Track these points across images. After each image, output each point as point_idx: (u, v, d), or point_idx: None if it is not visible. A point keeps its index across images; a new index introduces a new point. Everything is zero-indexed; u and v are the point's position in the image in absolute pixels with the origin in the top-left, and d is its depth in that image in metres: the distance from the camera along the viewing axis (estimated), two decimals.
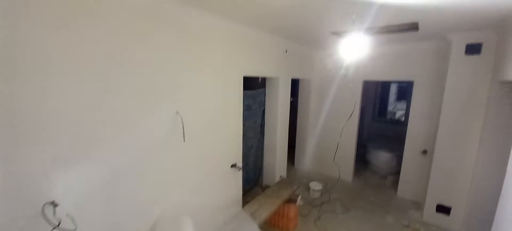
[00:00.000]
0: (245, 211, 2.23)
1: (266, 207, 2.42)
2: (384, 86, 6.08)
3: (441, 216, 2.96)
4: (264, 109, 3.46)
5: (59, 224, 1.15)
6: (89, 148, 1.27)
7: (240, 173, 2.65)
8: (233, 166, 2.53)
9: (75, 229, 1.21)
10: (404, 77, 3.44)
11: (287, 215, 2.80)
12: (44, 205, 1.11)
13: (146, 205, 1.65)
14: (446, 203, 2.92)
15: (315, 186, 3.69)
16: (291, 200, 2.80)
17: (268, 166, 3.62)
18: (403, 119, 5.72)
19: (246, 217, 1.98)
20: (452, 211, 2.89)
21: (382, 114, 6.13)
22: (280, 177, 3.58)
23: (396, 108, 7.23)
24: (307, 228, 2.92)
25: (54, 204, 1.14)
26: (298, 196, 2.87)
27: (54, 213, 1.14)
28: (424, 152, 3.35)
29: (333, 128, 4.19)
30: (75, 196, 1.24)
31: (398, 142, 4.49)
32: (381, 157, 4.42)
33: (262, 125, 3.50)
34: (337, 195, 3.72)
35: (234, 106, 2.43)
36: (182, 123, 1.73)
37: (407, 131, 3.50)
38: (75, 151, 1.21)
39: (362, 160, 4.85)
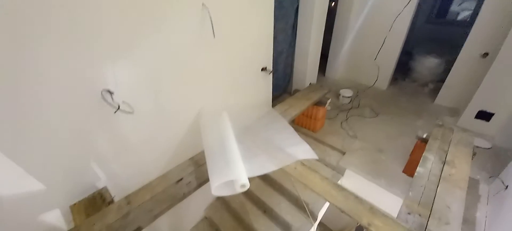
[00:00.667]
0: (275, 110, 2.37)
1: (296, 107, 2.52)
2: None
3: (479, 122, 2.84)
4: (297, 7, 3.07)
5: (119, 107, 1.35)
6: (131, 46, 1.32)
7: (270, 76, 2.66)
8: (264, 69, 2.52)
9: (132, 112, 1.43)
10: None
11: (315, 116, 2.93)
12: (102, 91, 1.27)
13: (188, 99, 1.82)
14: (489, 109, 2.73)
15: (346, 92, 3.64)
16: (320, 103, 2.85)
17: (299, 73, 3.54)
18: (468, 19, 4.74)
19: (277, 115, 2.11)
20: (493, 117, 2.73)
21: (441, 15, 5.11)
22: (310, 84, 3.56)
23: (461, 8, 5.92)
24: (333, 129, 3.09)
25: (110, 92, 1.31)
26: (328, 99, 2.90)
27: (112, 99, 1.33)
28: (485, 54, 2.89)
29: (378, 25, 3.66)
30: (126, 87, 1.38)
31: (452, 46, 3.89)
32: (427, 63, 4.00)
33: (295, 27, 3.20)
34: (367, 101, 3.68)
35: (264, 2, 2.18)
36: (210, 17, 1.64)
37: (472, 31, 2.93)
38: (119, 47, 1.27)
39: (403, 69, 4.46)
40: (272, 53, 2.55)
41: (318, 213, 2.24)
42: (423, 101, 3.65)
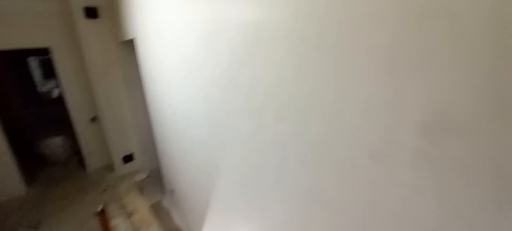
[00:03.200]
0: None
1: None
2: (23, 65, 4.64)
3: (130, 164, 3.48)
4: None
5: None
6: None
7: None
8: None
9: None
10: (36, 43, 2.83)
11: None
12: None
13: None
14: (127, 151, 3.44)
15: None
16: None
17: None
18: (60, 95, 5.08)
19: None
20: (134, 155, 3.51)
21: (35, 98, 4.86)
22: None
23: (49, 87, 6.13)
24: None
25: None
26: None
27: None
28: (94, 119, 3.40)
29: None
30: None
31: (67, 120, 4.01)
32: (54, 143, 3.72)
33: None
34: (16, 219, 2.59)
35: None
36: None
37: (69, 105, 3.19)
38: None
39: (36, 160, 3.68)
40: None
41: None
42: (79, 176, 3.47)
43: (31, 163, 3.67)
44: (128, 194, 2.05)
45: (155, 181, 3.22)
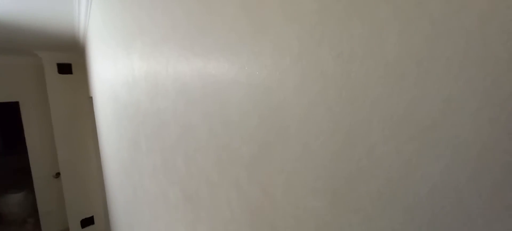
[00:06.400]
0: None
1: None
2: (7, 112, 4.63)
3: (89, 228, 3.04)
4: None
5: None
6: None
7: None
8: None
9: None
10: (4, 98, 2.77)
11: None
12: None
13: None
14: (88, 215, 3.04)
15: None
16: None
17: None
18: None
19: None
20: (95, 218, 3.10)
21: (12, 147, 4.68)
22: None
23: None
24: None
25: None
26: None
27: None
28: (57, 175, 3.12)
29: None
30: None
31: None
32: (12, 200, 3.38)
33: None
34: None
35: None
36: None
37: (31, 159, 2.96)
38: None
39: None
40: None
41: None
42: None
43: None
44: None
45: None
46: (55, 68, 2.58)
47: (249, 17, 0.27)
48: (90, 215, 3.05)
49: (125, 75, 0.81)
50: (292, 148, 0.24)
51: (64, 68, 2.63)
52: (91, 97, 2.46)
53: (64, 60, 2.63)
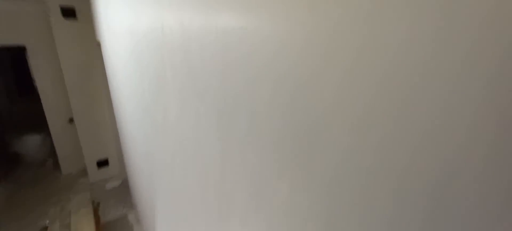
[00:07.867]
0: None
1: None
2: (20, 56, 4.57)
3: (103, 170, 3.32)
4: None
5: None
6: None
7: None
8: None
9: None
10: (10, 41, 2.75)
11: None
12: None
13: None
14: (103, 157, 3.29)
15: None
16: None
17: None
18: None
19: None
20: (110, 161, 3.36)
21: (27, 91, 4.71)
22: None
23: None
24: None
25: None
26: None
27: None
28: (71, 120, 3.28)
29: None
30: None
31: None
32: (30, 142, 3.62)
33: None
34: None
35: None
36: None
37: (44, 106, 3.09)
38: None
39: (9, 159, 3.58)
40: None
41: None
42: (51, 181, 3.33)
43: (3, 162, 3.55)
44: (77, 214, 1.89)
45: (127, 190, 3.04)
46: (59, 12, 2.52)
47: None
48: (105, 157, 3.30)
49: None
50: None
51: (68, 12, 2.57)
52: (99, 44, 2.45)
53: (68, 2, 2.55)
